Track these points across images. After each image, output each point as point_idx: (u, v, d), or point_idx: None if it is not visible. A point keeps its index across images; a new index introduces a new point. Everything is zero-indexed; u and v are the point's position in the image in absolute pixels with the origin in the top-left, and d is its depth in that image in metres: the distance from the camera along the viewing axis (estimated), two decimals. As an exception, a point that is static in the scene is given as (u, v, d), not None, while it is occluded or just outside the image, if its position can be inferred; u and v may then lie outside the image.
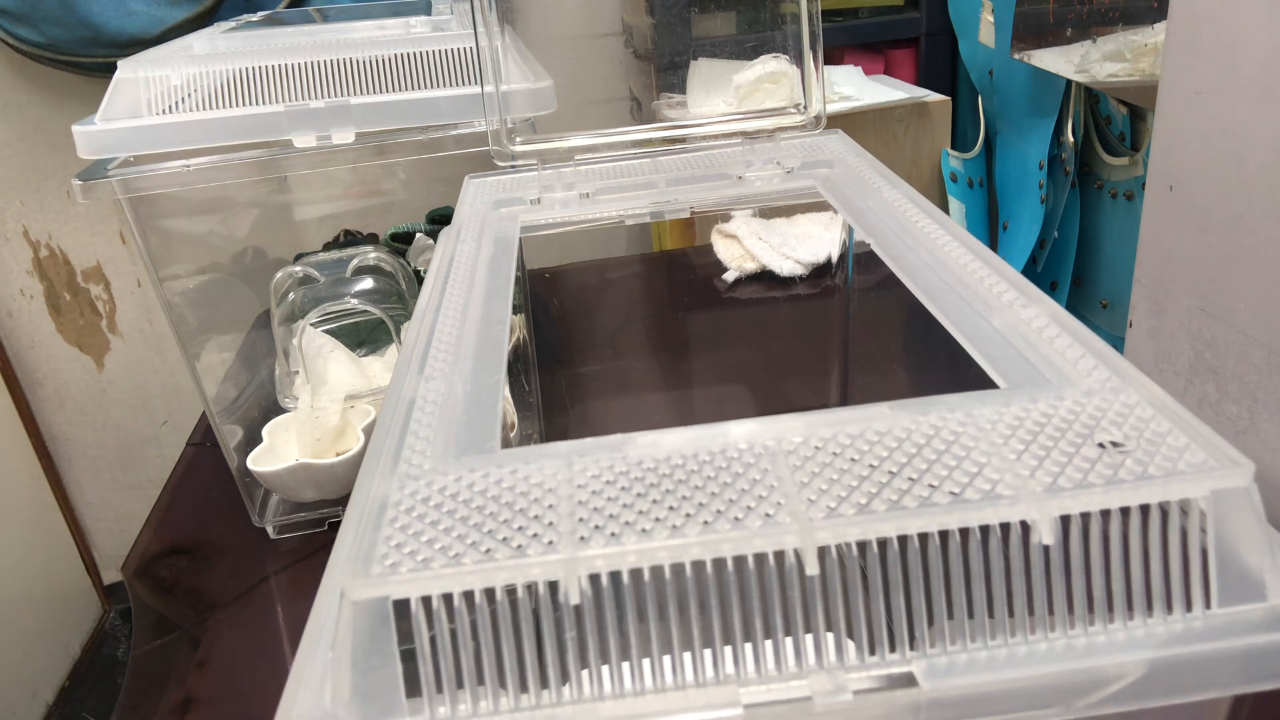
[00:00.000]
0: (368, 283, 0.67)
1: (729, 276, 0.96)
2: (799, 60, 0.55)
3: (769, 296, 0.93)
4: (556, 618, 0.23)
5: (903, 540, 0.23)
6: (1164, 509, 0.24)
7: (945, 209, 1.31)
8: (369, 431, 0.61)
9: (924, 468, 0.25)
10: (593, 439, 0.28)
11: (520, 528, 0.24)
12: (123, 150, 0.55)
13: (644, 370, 0.85)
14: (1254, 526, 0.24)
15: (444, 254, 0.44)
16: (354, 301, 0.65)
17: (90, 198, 0.53)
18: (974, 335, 0.33)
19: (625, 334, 0.91)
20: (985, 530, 0.23)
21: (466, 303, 0.39)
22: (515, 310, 0.40)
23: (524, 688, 0.23)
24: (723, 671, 0.23)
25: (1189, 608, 0.24)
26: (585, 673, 0.23)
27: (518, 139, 0.53)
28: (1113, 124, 1.17)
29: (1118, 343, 0.40)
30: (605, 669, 0.23)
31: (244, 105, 0.56)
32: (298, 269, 0.67)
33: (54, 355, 1.58)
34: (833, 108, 1.22)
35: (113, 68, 0.58)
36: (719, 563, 0.23)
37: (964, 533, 0.23)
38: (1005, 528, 0.23)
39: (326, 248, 0.76)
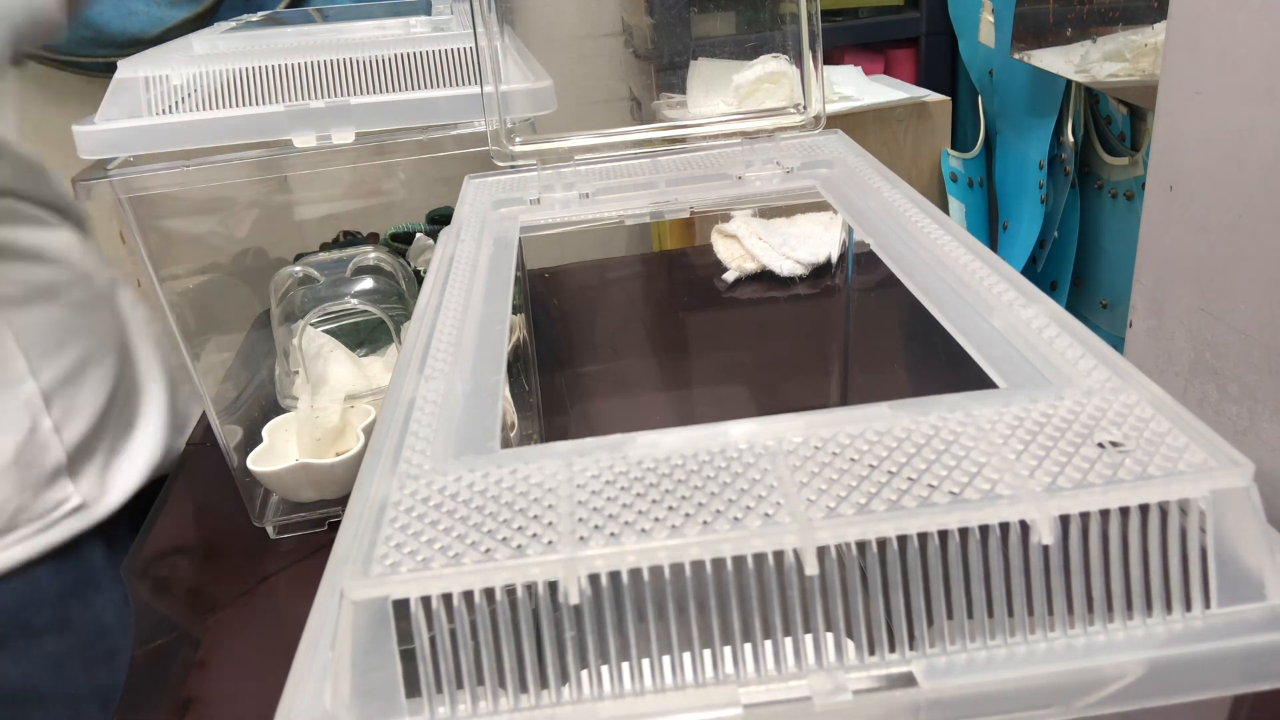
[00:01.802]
0: (368, 283, 0.67)
1: (729, 276, 0.96)
2: (799, 60, 0.55)
3: (769, 296, 0.93)
4: (556, 618, 0.23)
5: (902, 540, 0.23)
6: (1164, 509, 0.24)
7: (945, 209, 1.31)
8: (369, 431, 0.61)
9: (924, 468, 0.25)
10: (593, 439, 0.28)
11: (520, 528, 0.24)
12: (123, 150, 0.55)
13: (644, 370, 0.85)
14: (1254, 526, 0.24)
15: (444, 254, 0.44)
16: (354, 301, 0.65)
17: (90, 198, 0.53)
18: (974, 335, 0.33)
19: (625, 334, 0.91)
20: (985, 530, 0.23)
21: (466, 303, 0.39)
22: (515, 310, 0.40)
23: (524, 688, 0.23)
24: (722, 671, 0.23)
25: (1189, 608, 0.24)
26: (585, 673, 0.23)
27: (518, 139, 0.53)
28: (1113, 124, 1.17)
29: (1118, 343, 0.40)
30: (605, 669, 0.23)
31: (244, 105, 0.56)
32: (298, 269, 0.67)
33: (54, 355, 1.58)
34: (833, 108, 1.22)
35: (113, 68, 0.58)
36: (718, 563, 0.23)
37: (964, 533, 0.23)
38: (1005, 528, 0.23)
39: (326, 248, 0.76)
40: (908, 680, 0.23)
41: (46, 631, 0.67)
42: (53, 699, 0.68)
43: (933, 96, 1.28)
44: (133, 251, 0.56)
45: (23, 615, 0.66)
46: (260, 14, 0.97)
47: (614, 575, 0.23)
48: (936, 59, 1.45)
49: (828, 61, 1.45)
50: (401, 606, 0.23)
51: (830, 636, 0.23)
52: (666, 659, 0.23)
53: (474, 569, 0.23)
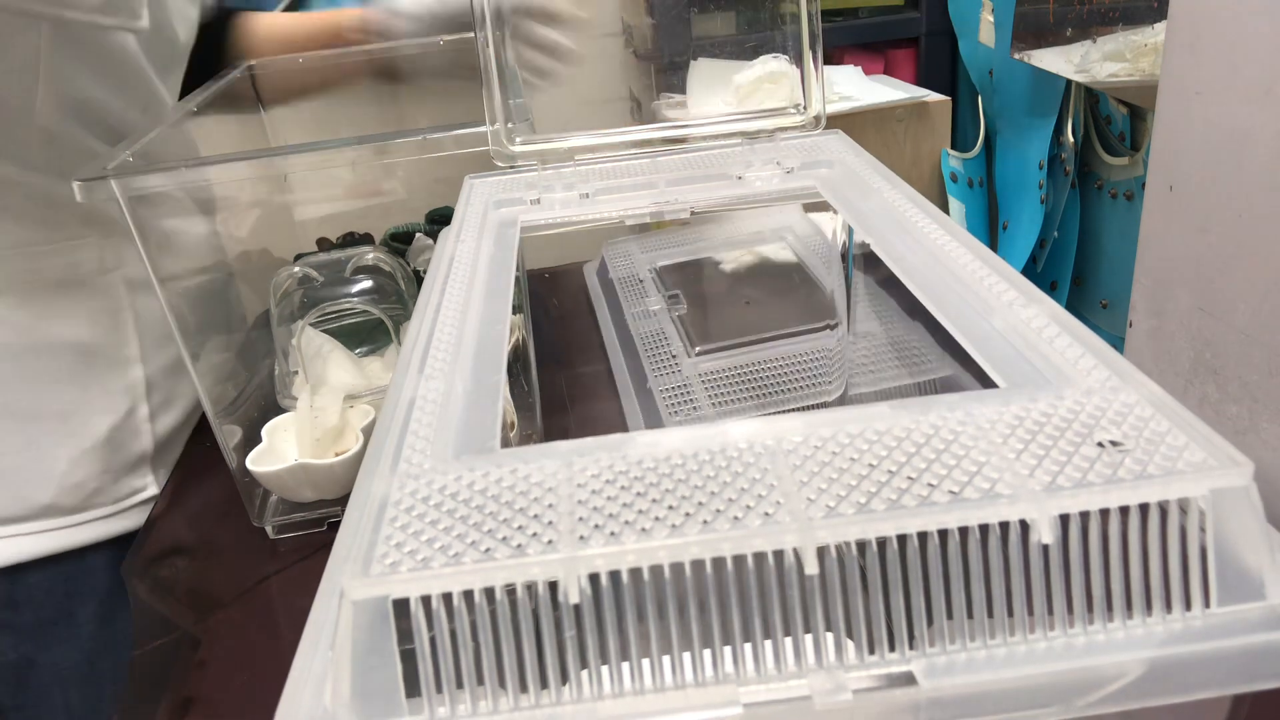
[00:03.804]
0: (367, 283, 0.67)
1: (729, 276, 0.96)
2: (799, 60, 0.55)
3: (769, 296, 0.93)
4: (556, 618, 0.23)
5: (902, 540, 0.23)
6: (1163, 508, 0.24)
7: (945, 209, 1.31)
8: (368, 431, 0.61)
9: (923, 467, 0.25)
10: (593, 439, 0.28)
11: (520, 527, 0.24)
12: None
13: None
14: (1253, 526, 0.24)
15: (444, 254, 0.44)
16: (354, 301, 0.65)
17: (90, 198, 0.53)
18: (974, 335, 0.33)
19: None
20: (985, 529, 0.23)
21: (466, 303, 0.39)
22: (515, 310, 0.40)
23: (524, 688, 0.23)
24: (722, 671, 0.23)
25: (1188, 607, 0.24)
26: (585, 673, 0.23)
27: (518, 139, 0.53)
28: (1113, 124, 1.17)
29: (1118, 343, 0.40)
30: (605, 669, 0.23)
31: (244, 105, 0.56)
32: (298, 269, 0.67)
33: (54, 355, 1.57)
34: (833, 108, 1.22)
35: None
36: (719, 562, 0.23)
37: (963, 532, 0.23)
38: (1005, 527, 0.23)
39: (326, 248, 0.76)
40: (908, 680, 0.23)
41: (88, 624, 0.67)
42: (75, 691, 0.68)
43: (933, 96, 1.28)
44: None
45: (70, 603, 0.66)
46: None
47: (614, 575, 0.23)
48: (936, 59, 1.45)
49: (828, 61, 1.45)
50: (401, 606, 0.23)
51: (830, 636, 0.23)
52: (666, 659, 0.23)
53: (474, 569, 0.23)
